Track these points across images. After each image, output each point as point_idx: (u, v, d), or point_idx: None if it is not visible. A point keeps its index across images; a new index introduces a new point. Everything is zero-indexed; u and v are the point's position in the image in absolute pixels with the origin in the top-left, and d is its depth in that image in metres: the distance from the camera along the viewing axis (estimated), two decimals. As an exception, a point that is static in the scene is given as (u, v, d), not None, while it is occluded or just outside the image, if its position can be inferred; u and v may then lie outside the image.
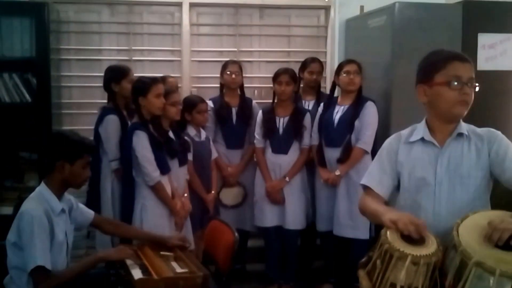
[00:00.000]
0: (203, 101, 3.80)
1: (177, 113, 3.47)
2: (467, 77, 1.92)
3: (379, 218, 1.86)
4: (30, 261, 2.30)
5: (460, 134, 2.01)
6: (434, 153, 2.03)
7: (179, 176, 3.46)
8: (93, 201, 3.43)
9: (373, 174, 2.15)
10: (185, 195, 3.52)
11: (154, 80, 3.28)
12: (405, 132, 2.15)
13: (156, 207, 3.24)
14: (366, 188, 2.13)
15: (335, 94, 3.93)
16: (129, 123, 3.49)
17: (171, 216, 3.32)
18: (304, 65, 4.14)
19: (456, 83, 1.92)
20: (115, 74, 3.57)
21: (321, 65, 4.16)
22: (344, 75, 3.72)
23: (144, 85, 3.24)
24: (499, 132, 2.01)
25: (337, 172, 3.68)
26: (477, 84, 1.94)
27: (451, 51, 2.01)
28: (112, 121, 3.47)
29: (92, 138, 3.38)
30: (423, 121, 2.09)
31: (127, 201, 3.29)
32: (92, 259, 2.56)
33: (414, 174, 2.05)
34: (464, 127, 2.02)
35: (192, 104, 3.73)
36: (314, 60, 4.14)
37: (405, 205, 2.05)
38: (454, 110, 1.95)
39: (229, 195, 4.02)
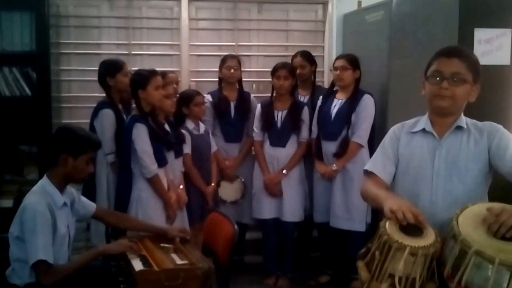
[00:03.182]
0: (199, 94, 3.83)
1: (172, 106, 3.51)
2: (450, 72, 1.98)
3: (380, 204, 1.91)
4: (32, 255, 2.33)
5: (459, 127, 2.05)
6: (433, 144, 2.08)
7: (174, 168, 3.49)
8: (88, 193, 3.41)
9: (377, 160, 2.20)
10: (181, 187, 3.54)
11: (153, 73, 3.31)
12: (409, 122, 2.21)
13: (151, 200, 3.27)
14: (368, 174, 2.18)
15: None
16: (124, 116, 3.52)
17: (165, 209, 3.34)
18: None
19: (434, 78, 2.01)
20: (110, 68, 3.58)
21: (305, 58, 4.13)
22: (333, 71, 3.78)
23: (143, 78, 3.26)
24: (500, 126, 2.05)
25: (334, 167, 3.72)
26: (455, 79, 1.98)
27: (444, 48, 2.07)
28: (107, 115, 3.48)
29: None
30: (427, 114, 2.14)
31: (123, 192, 3.31)
32: (93, 253, 2.59)
33: (413, 164, 2.10)
34: (464, 120, 2.07)
35: (188, 97, 3.77)
36: (296, 54, 4.17)
37: (403, 194, 2.08)
38: (433, 103, 2.04)
39: (228, 190, 4.03)
